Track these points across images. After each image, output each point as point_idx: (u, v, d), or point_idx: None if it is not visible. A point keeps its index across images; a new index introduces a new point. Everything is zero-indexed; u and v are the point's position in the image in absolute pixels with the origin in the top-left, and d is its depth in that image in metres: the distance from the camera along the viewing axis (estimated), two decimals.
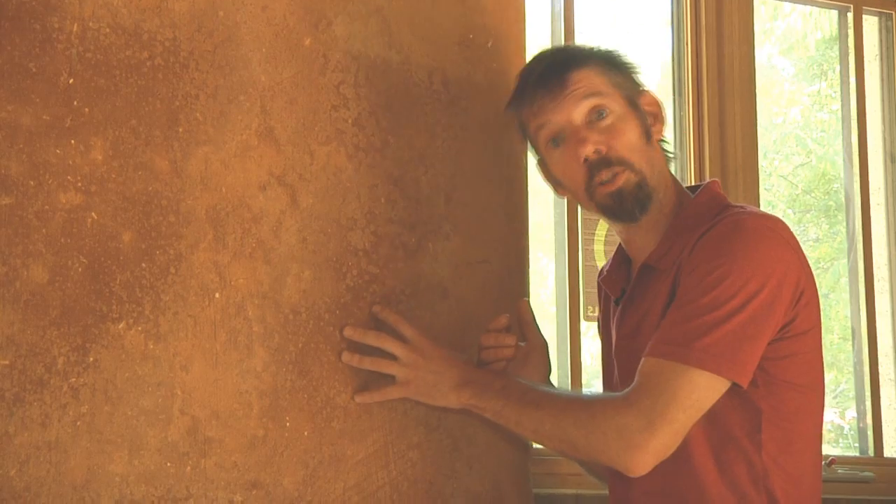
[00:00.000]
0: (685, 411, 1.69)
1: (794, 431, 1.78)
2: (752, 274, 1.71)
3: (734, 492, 1.76)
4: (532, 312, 2.06)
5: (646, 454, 1.70)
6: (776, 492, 1.76)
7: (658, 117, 1.92)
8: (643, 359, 1.74)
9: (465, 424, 2.09)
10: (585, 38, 2.60)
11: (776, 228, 1.77)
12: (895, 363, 2.82)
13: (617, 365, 1.92)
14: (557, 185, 1.96)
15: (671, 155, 1.96)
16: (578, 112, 1.85)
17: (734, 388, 1.73)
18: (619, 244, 1.98)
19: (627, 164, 1.83)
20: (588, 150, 1.83)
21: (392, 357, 1.93)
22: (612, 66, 1.90)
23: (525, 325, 2.04)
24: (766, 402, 1.76)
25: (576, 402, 1.81)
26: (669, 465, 1.76)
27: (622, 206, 1.84)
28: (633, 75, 1.92)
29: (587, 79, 1.86)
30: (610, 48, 1.94)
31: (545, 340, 2.04)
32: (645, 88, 1.93)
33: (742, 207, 1.85)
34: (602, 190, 1.84)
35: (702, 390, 1.70)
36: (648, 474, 1.78)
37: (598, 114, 1.84)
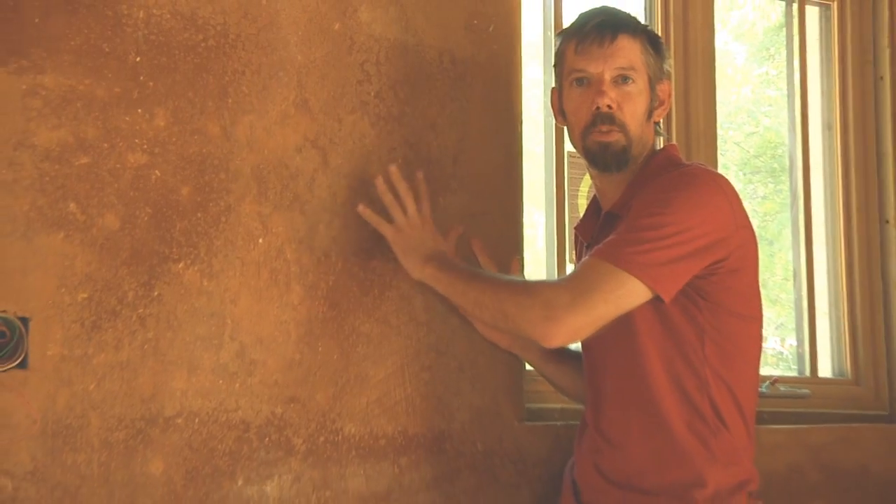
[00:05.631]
0: (605, 303, 1.69)
1: (734, 351, 1.80)
2: (690, 211, 1.73)
3: (682, 397, 1.78)
4: (483, 249, 2.07)
5: (562, 327, 1.69)
6: (717, 399, 1.78)
7: (664, 104, 1.90)
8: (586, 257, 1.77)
9: (469, 350, 2.09)
10: None
11: (717, 180, 1.79)
12: (828, 300, 2.81)
13: None
14: (560, 114, 1.95)
15: (660, 133, 1.97)
16: (611, 71, 1.84)
17: (684, 309, 1.77)
18: (594, 196, 1.98)
19: (625, 128, 1.84)
20: (604, 103, 1.83)
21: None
22: (653, 48, 1.88)
23: (478, 253, 2.06)
24: (710, 323, 1.78)
25: (517, 282, 1.83)
26: (629, 379, 1.80)
27: (603, 157, 1.85)
28: (664, 63, 1.90)
29: (632, 48, 1.85)
30: (656, 34, 1.92)
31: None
32: (666, 77, 1.90)
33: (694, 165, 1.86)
34: (595, 137, 1.85)
35: (624, 290, 1.70)
36: (614, 387, 1.82)
37: (623, 79, 1.84)
